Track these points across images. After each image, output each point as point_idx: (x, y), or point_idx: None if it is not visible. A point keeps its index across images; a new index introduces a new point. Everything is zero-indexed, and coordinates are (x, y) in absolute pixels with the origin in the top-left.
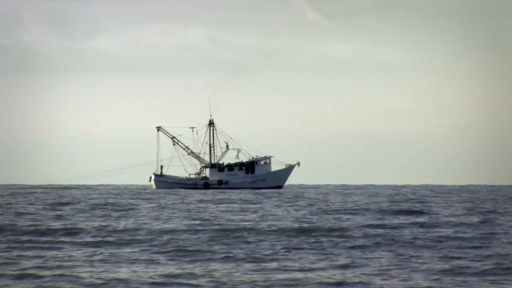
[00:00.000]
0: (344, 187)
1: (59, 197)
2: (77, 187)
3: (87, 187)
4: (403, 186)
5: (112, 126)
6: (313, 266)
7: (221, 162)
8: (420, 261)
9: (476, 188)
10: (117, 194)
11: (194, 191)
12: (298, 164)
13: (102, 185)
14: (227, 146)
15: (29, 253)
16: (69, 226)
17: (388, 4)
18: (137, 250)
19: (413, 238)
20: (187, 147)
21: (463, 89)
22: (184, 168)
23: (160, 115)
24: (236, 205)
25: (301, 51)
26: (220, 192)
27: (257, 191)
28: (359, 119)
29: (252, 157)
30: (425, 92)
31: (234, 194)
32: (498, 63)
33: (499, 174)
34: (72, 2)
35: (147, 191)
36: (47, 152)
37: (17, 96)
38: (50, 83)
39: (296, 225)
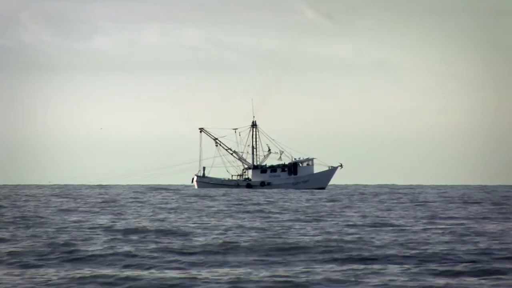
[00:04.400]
0: (354, 187)
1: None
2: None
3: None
4: (407, 187)
5: (113, 127)
6: None
7: (263, 164)
8: None
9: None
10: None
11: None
12: (341, 165)
13: (112, 185)
14: (269, 150)
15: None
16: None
17: (388, 4)
18: None
19: None
20: (229, 148)
21: (463, 89)
22: (226, 169)
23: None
24: None
25: (301, 51)
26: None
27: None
28: (359, 119)
29: (295, 159)
30: (425, 92)
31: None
32: (498, 63)
33: (499, 174)
34: (70, 2)
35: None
36: (47, 152)
37: (17, 96)
38: (50, 83)
39: None
